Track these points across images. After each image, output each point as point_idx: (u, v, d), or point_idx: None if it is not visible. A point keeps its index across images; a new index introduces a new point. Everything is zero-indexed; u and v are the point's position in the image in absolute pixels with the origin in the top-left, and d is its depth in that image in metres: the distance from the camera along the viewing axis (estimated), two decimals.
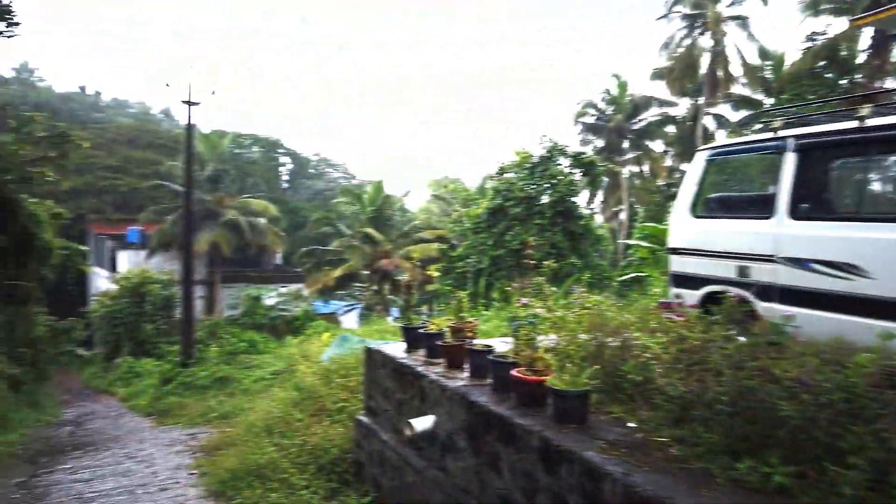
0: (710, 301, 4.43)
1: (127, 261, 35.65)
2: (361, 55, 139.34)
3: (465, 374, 4.57)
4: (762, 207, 4.46)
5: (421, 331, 5.15)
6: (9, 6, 9.30)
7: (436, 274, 5.62)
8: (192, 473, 7.18)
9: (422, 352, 5.30)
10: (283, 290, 34.46)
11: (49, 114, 17.70)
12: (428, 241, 33.58)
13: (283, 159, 61.30)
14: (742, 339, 3.27)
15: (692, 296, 4.76)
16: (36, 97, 63.29)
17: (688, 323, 3.78)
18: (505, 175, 19.31)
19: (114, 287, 30.85)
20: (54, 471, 7.80)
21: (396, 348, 5.51)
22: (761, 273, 4.30)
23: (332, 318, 32.57)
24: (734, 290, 4.34)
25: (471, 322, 5.33)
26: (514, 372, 3.85)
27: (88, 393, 23.24)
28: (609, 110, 39.04)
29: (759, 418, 2.84)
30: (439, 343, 4.79)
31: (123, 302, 29.45)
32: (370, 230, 33.58)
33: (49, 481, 7.24)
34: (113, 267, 36.51)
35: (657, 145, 38.75)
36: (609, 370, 3.93)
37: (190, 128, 18.31)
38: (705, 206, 5.13)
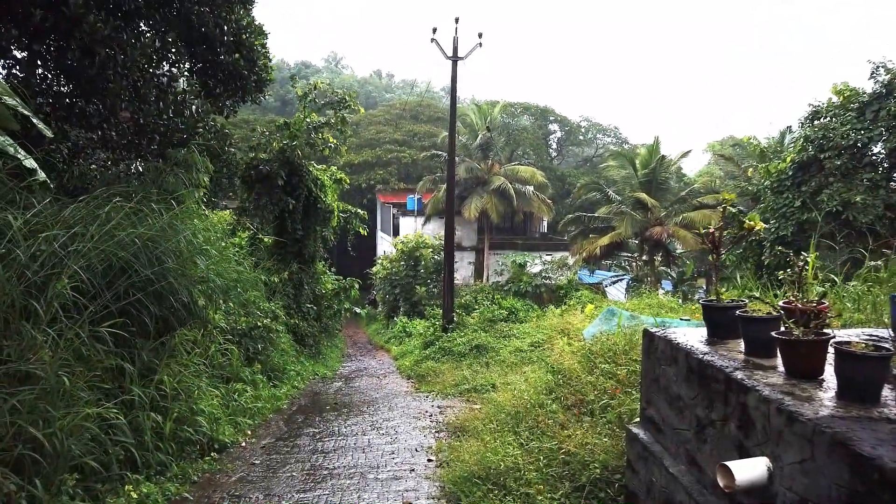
0: None
1: (407, 227, 38.02)
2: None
3: (828, 394, 2.60)
4: None
5: (739, 313, 3.23)
6: None
7: (760, 225, 3.60)
8: (430, 460, 6.20)
9: (736, 345, 3.40)
10: (548, 258, 33.60)
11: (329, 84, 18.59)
12: (709, 207, 29.74)
13: (552, 126, 60.19)
14: None
15: None
16: (340, 82, 71.54)
17: None
18: (820, 120, 15.40)
19: (393, 251, 33.05)
20: (302, 434, 7.51)
21: (692, 336, 3.67)
22: None
23: (597, 288, 30.81)
24: None
25: (823, 304, 3.27)
26: None
27: (370, 348, 25.01)
28: None
29: None
30: (777, 336, 2.84)
31: (401, 265, 31.35)
32: (642, 195, 30.74)
33: (292, 446, 6.88)
34: (395, 232, 39.27)
35: None
36: None
37: (454, 81, 17.91)
38: None
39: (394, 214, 41.85)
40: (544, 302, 25.36)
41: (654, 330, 3.89)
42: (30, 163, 5.00)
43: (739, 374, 2.87)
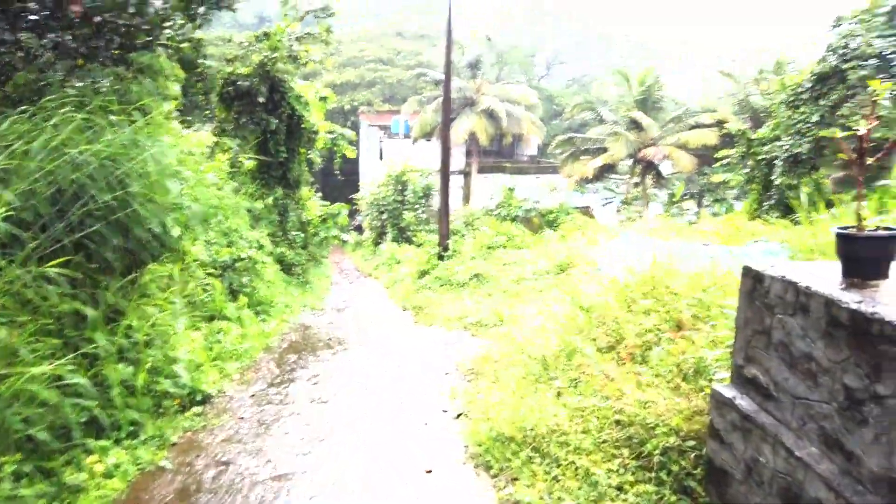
0: None
1: (393, 150, 36.63)
2: None
3: None
4: None
5: None
6: None
7: None
8: (445, 410, 5.44)
9: (891, 289, 2.55)
10: (538, 181, 32.70)
11: None
12: (706, 126, 28.72)
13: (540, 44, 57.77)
14: None
15: None
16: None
17: None
18: (843, 27, 14.27)
19: (379, 175, 31.84)
20: (296, 378, 6.71)
21: (819, 276, 2.81)
22: None
23: (585, 211, 30.16)
24: None
25: None
26: None
27: (358, 276, 24.27)
28: None
29: None
30: None
31: (388, 189, 30.24)
32: (637, 114, 29.60)
33: (286, 395, 6.08)
34: (381, 156, 37.87)
35: None
36: None
37: None
38: None
39: (379, 137, 40.31)
40: (535, 227, 24.67)
41: (761, 268, 3.01)
42: None
43: None
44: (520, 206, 28.11)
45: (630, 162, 31.04)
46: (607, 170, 31.85)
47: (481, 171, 35.73)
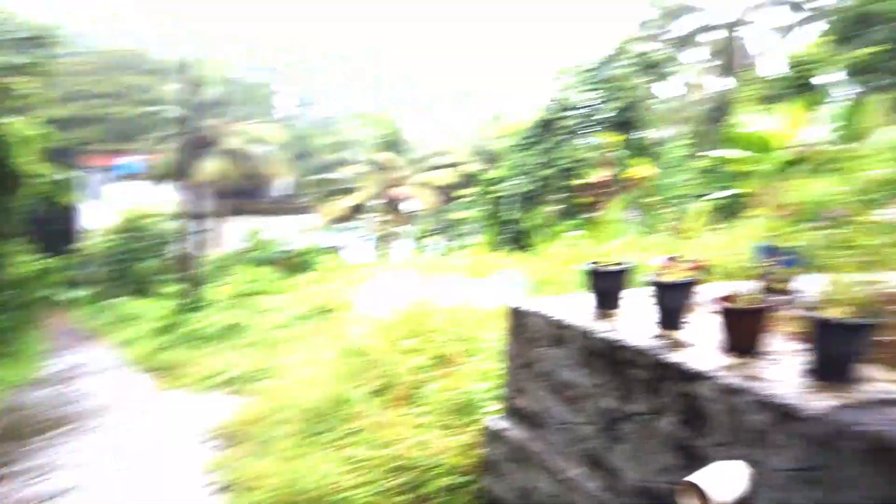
0: None
1: (125, 193, 33.32)
2: None
3: (792, 370, 2.16)
4: None
5: (655, 279, 2.63)
6: None
7: (639, 174, 3.04)
8: (206, 485, 4.88)
9: (628, 315, 2.87)
10: (291, 221, 32.23)
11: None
12: (447, 167, 31.07)
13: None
14: None
15: None
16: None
17: None
18: (559, 81, 16.57)
19: (108, 221, 28.55)
20: (17, 470, 5.52)
21: (572, 308, 3.06)
22: None
23: (337, 250, 30.45)
24: None
25: (698, 260, 2.95)
26: None
27: (81, 337, 21.16)
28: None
29: None
30: (727, 307, 2.31)
31: (117, 238, 27.22)
32: (383, 155, 30.96)
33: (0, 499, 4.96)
34: (111, 199, 34.08)
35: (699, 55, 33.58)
36: None
37: None
38: None
39: (104, 180, 36.29)
40: (288, 269, 24.14)
41: (522, 305, 3.21)
42: None
43: (674, 357, 2.31)
44: (273, 248, 27.33)
45: (380, 200, 32.17)
46: (359, 209, 32.62)
47: (231, 213, 34.08)
